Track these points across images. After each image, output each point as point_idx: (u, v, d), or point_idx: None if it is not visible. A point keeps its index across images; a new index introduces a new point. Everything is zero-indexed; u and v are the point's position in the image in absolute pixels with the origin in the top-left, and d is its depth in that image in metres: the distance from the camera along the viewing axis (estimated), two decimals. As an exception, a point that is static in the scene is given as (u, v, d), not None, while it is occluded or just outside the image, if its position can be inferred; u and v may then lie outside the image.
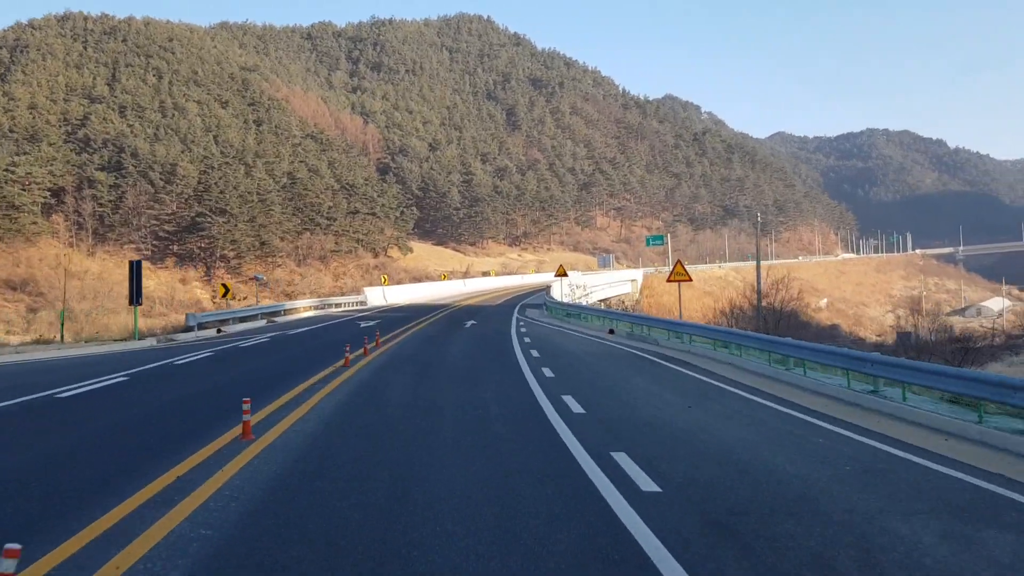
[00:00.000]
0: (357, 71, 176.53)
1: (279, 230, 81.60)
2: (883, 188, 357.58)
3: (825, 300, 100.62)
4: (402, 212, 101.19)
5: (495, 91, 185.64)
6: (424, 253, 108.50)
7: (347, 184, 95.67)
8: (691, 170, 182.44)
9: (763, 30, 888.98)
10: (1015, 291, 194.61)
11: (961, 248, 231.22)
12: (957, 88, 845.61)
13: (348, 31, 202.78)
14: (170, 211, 79.12)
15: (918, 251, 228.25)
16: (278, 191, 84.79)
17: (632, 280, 62.87)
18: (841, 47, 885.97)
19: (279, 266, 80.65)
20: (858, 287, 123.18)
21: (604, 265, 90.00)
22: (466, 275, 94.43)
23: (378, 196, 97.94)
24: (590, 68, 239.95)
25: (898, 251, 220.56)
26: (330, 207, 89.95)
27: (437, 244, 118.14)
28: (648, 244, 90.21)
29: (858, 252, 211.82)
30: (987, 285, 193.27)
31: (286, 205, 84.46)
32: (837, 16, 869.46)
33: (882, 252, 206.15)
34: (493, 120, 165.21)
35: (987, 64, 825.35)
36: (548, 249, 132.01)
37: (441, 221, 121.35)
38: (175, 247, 79.25)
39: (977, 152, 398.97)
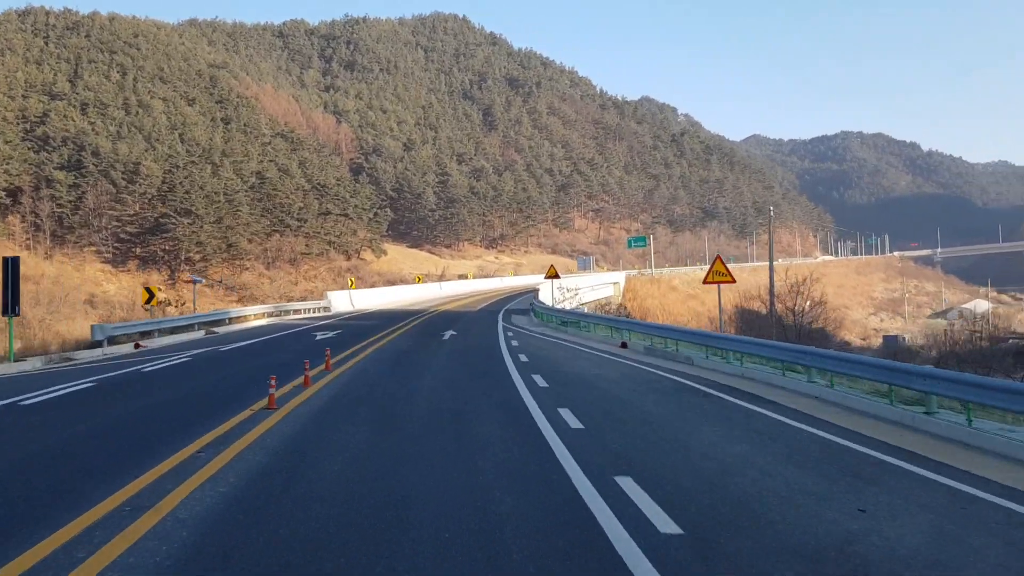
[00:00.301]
0: (330, 70, 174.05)
1: (247, 232, 79.29)
2: (858, 191, 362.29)
3: (808, 303, 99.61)
4: (375, 213, 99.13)
5: (471, 91, 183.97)
6: (399, 256, 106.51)
7: (318, 184, 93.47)
8: (670, 171, 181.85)
9: (738, 33, 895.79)
10: (993, 293, 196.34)
11: (939, 250, 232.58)
12: (931, 91, 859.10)
13: (321, 29, 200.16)
14: (132, 212, 76.57)
15: (896, 253, 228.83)
16: (246, 191, 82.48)
17: (614, 283, 61.30)
18: (816, 50, 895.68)
19: (247, 269, 78.34)
20: (839, 289, 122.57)
21: (584, 267, 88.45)
22: (442, 278, 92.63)
23: (350, 196, 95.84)
24: (567, 68, 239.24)
25: (876, 253, 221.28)
26: (301, 208, 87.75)
27: (412, 246, 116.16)
28: (630, 246, 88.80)
29: (837, 254, 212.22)
30: (965, 287, 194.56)
31: (254, 206, 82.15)
32: (811, 19, 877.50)
33: (860, 254, 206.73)
34: (469, 120, 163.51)
35: (961, 68, 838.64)
36: (525, 251, 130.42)
37: (416, 223, 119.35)
38: (138, 250, 76.64)
39: (950, 155, 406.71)
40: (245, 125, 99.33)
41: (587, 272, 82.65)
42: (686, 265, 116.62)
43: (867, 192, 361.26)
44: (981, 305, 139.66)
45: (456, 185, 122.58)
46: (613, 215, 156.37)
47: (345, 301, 43.81)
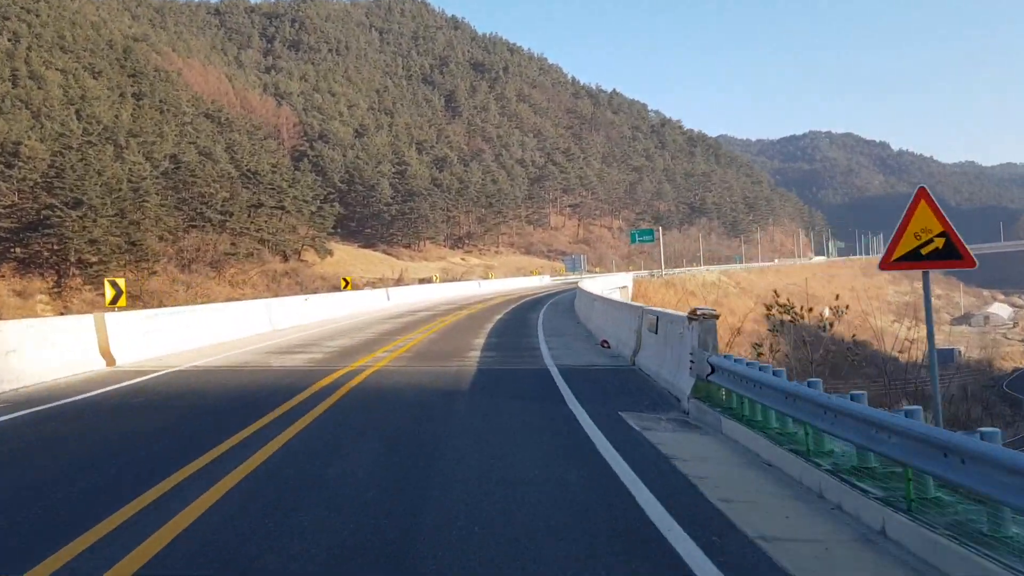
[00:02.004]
0: (272, 50, 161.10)
1: (157, 228, 66.59)
2: (831, 191, 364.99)
3: (827, 308, 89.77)
4: (319, 207, 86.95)
5: (432, 75, 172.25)
6: (348, 257, 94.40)
7: (249, 171, 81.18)
8: (652, 164, 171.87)
9: (703, 32, 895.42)
10: (1000, 295, 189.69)
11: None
12: (899, 91, 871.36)
13: (263, 7, 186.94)
14: (9, 203, 63.42)
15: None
16: (156, 178, 69.86)
17: (622, 287, 50.50)
18: (782, 49, 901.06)
19: (155, 273, 65.54)
20: (852, 293, 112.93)
21: (573, 269, 77.60)
22: (399, 282, 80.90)
23: (288, 186, 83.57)
24: (536, 55, 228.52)
25: (865, 254, 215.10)
26: (226, 199, 75.24)
27: (365, 246, 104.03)
28: (634, 240, 77.59)
29: (828, 255, 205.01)
30: (969, 290, 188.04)
31: (167, 196, 69.47)
32: (776, 20, 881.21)
33: (860, 254, 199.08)
34: (430, 105, 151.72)
35: (929, 68, 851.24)
36: (496, 252, 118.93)
37: (369, 219, 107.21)
38: (17, 250, 63.53)
39: (921, 155, 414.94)
40: (161, 102, 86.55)
41: (579, 274, 71.73)
42: (683, 266, 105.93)
43: (841, 192, 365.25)
44: (1003, 310, 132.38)
45: (416, 176, 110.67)
46: (593, 211, 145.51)
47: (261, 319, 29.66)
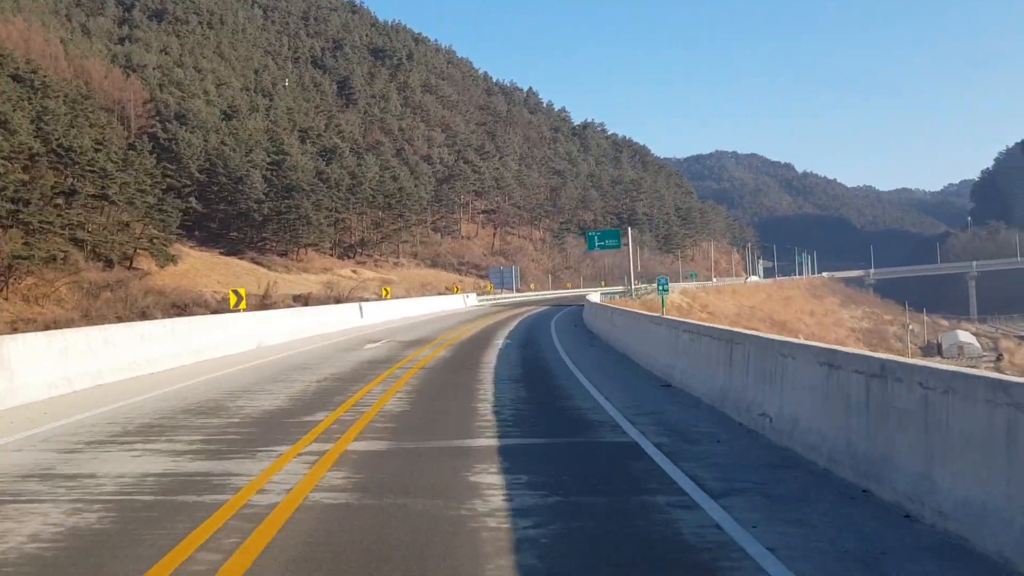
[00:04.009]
0: (130, 19, 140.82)
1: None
2: (741, 210, 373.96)
3: (801, 337, 77.54)
4: (161, 198, 69.47)
5: (323, 58, 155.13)
6: (202, 265, 77.20)
7: (61, 147, 63.21)
8: (575, 168, 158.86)
9: (609, 47, 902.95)
10: (941, 320, 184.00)
11: (872, 271, 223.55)
12: (801, 114, 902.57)
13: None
14: None
15: (825, 274, 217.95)
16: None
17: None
18: (687, 69, 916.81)
19: None
20: (812, 317, 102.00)
21: (504, 285, 62.52)
22: (265, 301, 64.48)
23: (117, 170, 65.80)
24: (444, 47, 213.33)
25: (797, 274, 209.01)
26: (22, 184, 56.98)
27: (227, 252, 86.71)
28: (592, 246, 61.87)
29: (760, 274, 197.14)
30: (911, 314, 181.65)
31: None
32: (681, 39, 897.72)
33: (800, 274, 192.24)
34: (320, 90, 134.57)
35: (830, 89, 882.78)
36: (396, 263, 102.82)
37: (235, 219, 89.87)
38: None
39: (825, 177, 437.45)
40: (-57, 52, 67.47)
41: (512, 292, 56.90)
42: (621, 284, 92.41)
43: (750, 212, 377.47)
44: (965, 337, 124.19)
45: (297, 168, 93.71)
46: (511, 219, 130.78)
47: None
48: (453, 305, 63.60)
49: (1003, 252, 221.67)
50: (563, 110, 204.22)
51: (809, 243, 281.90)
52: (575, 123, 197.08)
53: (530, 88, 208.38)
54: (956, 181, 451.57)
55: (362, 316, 39.20)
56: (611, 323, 24.01)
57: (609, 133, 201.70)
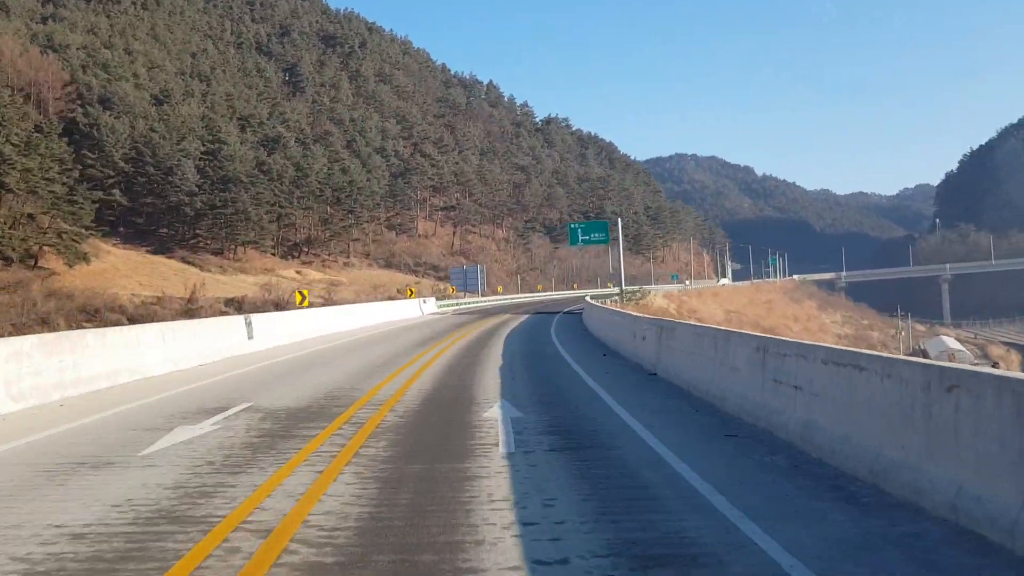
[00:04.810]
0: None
1: None
2: (702, 213, 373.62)
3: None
4: (72, 188, 61.66)
5: (269, 44, 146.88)
6: (124, 264, 69.42)
7: (-54, 125, 55.24)
8: (540, 164, 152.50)
9: (566, 47, 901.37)
10: (916, 325, 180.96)
11: (844, 274, 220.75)
12: (760, 117, 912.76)
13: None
14: None
15: (795, 276, 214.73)
16: None
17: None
18: (647, 70, 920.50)
19: None
20: (797, 323, 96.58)
21: (465, 287, 55.64)
22: (190, 305, 57.61)
23: (20, 154, 57.90)
24: (400, 38, 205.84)
25: (771, 276, 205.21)
26: None
27: (155, 251, 78.80)
28: (575, 241, 54.14)
29: (730, 277, 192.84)
30: (886, 319, 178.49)
31: None
32: (639, 38, 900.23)
33: (769, 276, 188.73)
34: (264, 77, 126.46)
35: (790, 92, 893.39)
36: (346, 263, 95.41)
37: (164, 214, 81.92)
38: None
39: (784, 180, 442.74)
40: None
41: (477, 295, 50.10)
42: (598, 286, 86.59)
43: (712, 214, 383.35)
44: (953, 344, 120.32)
45: (235, 157, 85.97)
46: (471, 216, 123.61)
47: None
48: (406, 313, 50.36)
49: (973, 255, 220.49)
50: (526, 104, 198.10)
51: (771, 246, 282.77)
52: (538, 118, 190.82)
53: (490, 81, 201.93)
54: (911, 185, 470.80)
55: (251, 337, 23.75)
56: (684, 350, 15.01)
57: (574, 129, 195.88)
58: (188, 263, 78.58)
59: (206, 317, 50.08)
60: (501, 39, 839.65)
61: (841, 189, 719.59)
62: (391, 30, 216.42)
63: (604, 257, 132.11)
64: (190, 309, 56.66)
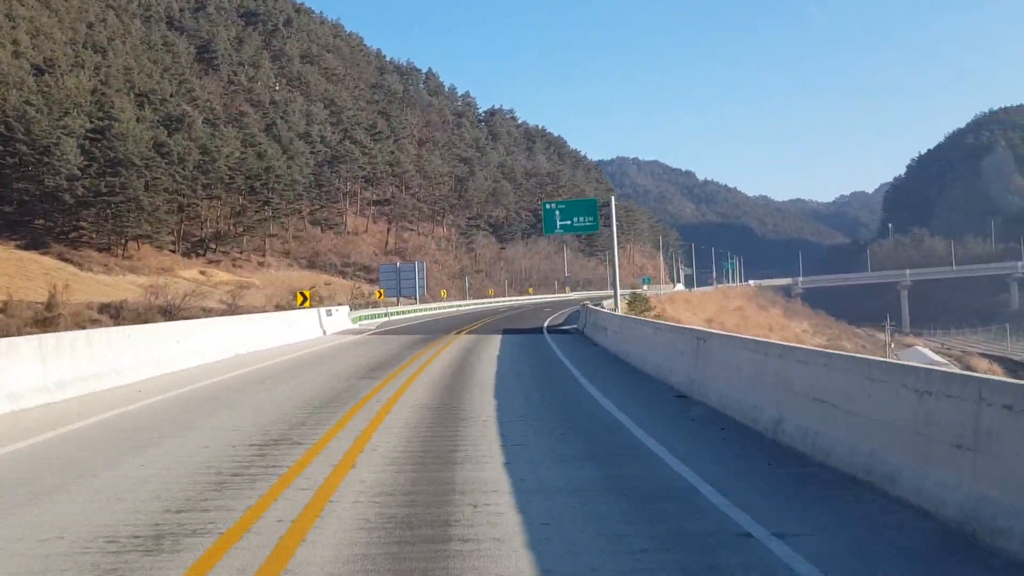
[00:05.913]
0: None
1: None
2: (647, 217, 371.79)
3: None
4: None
5: (181, 18, 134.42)
6: (-22, 262, 57.64)
7: None
8: (484, 157, 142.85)
9: (507, 45, 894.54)
10: (877, 333, 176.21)
11: (800, 279, 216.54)
12: (701, 121, 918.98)
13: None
14: None
15: (751, 282, 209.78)
16: None
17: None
18: (589, 74, 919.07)
19: None
20: (772, 333, 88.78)
21: (402, 293, 45.61)
22: (47, 312, 46.76)
23: None
24: (330, 20, 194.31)
25: (724, 281, 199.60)
26: None
27: (26, 246, 67.12)
28: (550, 230, 40.05)
29: (685, 282, 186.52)
30: (844, 326, 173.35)
31: None
32: (578, 37, 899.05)
33: (722, 282, 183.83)
34: (172, 52, 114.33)
35: (729, 97, 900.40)
36: (261, 263, 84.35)
37: (39, 201, 70.08)
38: None
39: (726, 185, 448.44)
40: None
41: (413, 301, 40.43)
42: (555, 292, 77.32)
43: (655, 218, 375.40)
44: (934, 356, 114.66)
45: (127, 136, 74.32)
46: (409, 212, 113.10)
47: None
48: (289, 337, 29.55)
49: (929, 260, 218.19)
50: (468, 95, 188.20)
51: (717, 250, 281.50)
52: (482, 109, 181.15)
53: (429, 69, 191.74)
54: (847, 192, 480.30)
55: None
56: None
57: (520, 122, 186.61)
58: (66, 260, 66.94)
59: (62, 328, 38.70)
60: (440, 30, 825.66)
61: (780, 195, 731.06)
62: (321, 12, 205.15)
63: (556, 259, 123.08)
64: (46, 318, 45.47)
